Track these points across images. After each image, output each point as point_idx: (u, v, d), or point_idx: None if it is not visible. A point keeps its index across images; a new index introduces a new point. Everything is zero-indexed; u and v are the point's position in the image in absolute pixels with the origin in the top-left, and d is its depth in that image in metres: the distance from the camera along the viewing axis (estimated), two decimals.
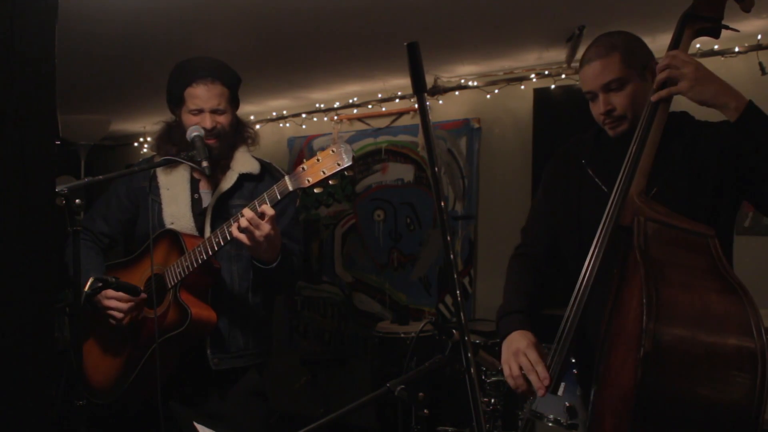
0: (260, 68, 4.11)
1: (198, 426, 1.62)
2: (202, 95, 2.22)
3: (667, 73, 1.63)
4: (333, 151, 1.92)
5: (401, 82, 4.59)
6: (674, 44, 1.71)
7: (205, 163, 2.12)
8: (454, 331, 1.70)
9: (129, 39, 3.45)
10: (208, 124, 2.22)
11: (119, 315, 2.19)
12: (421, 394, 1.69)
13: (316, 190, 1.97)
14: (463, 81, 4.39)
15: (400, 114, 4.83)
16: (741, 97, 1.61)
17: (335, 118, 5.10)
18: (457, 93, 4.48)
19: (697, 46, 3.43)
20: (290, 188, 1.98)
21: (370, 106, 4.92)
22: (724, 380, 1.37)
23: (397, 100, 4.75)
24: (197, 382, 2.28)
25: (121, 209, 2.42)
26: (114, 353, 2.31)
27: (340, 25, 3.32)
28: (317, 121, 5.28)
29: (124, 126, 6.32)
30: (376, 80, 4.55)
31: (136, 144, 6.65)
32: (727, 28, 1.71)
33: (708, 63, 3.57)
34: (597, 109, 1.84)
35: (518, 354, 1.77)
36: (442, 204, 1.08)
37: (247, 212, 2.01)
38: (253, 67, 3.98)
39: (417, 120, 4.73)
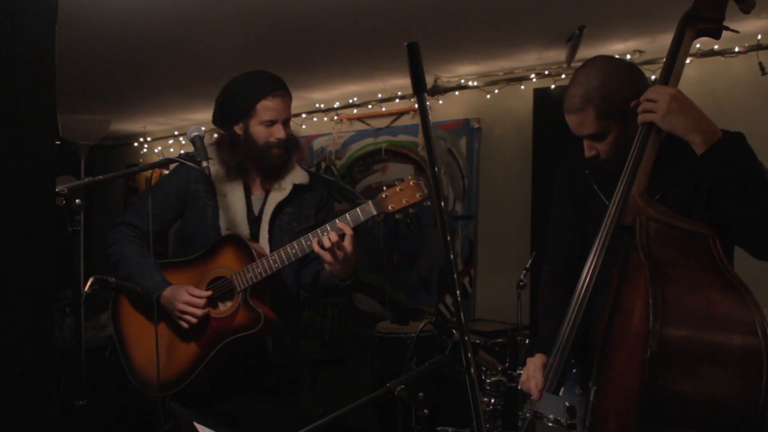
0: (260, 68, 4.09)
1: (198, 426, 1.62)
2: (279, 107, 2.33)
3: (643, 107, 1.67)
4: (413, 183, 2.17)
5: (401, 82, 4.59)
6: (675, 44, 1.70)
7: (204, 163, 2.13)
8: (454, 331, 1.70)
9: (129, 39, 3.44)
10: (283, 134, 2.32)
11: (194, 320, 2.23)
12: (421, 394, 1.70)
13: (397, 216, 2.22)
14: (463, 81, 4.39)
15: (400, 114, 4.83)
16: (711, 134, 1.60)
17: (335, 118, 5.10)
18: (457, 93, 4.48)
19: (698, 46, 3.42)
20: (374, 212, 2.17)
21: (370, 106, 4.92)
22: (729, 379, 1.37)
23: (397, 100, 4.75)
24: (252, 378, 2.35)
25: (169, 208, 2.42)
26: (178, 348, 2.32)
27: (340, 25, 3.32)
28: (317, 121, 5.28)
29: (124, 126, 6.33)
30: (376, 80, 4.55)
31: (136, 144, 6.65)
32: (727, 29, 1.71)
33: (708, 63, 3.61)
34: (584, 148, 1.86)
35: (527, 363, 1.94)
36: (442, 204, 1.08)
37: (333, 235, 2.12)
38: (253, 66, 3.94)
39: (417, 120, 4.73)
